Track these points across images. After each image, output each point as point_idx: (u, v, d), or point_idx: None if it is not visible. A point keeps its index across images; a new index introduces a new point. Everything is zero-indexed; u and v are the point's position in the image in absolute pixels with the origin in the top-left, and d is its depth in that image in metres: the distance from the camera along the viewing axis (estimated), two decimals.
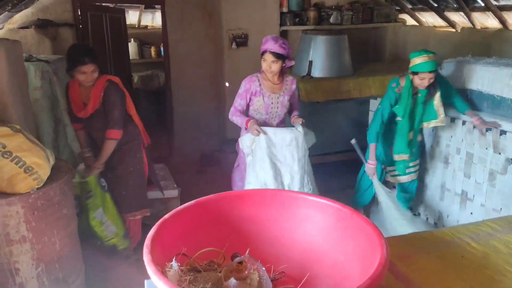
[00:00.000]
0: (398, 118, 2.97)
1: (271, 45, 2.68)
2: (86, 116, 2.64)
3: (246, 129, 2.78)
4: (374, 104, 3.96)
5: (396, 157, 3.11)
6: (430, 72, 2.73)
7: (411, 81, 2.85)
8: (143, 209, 2.87)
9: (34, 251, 1.93)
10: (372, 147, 3.09)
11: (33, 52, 3.71)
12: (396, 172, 3.23)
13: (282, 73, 2.86)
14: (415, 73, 2.80)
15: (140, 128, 2.88)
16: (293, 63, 2.86)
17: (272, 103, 2.86)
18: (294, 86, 2.93)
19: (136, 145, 2.82)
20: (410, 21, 5.62)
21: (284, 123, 3.07)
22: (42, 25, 4.01)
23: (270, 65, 2.71)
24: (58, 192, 2.01)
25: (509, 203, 2.65)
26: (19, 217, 1.86)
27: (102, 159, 2.65)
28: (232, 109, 2.85)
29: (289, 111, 3.03)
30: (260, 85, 2.83)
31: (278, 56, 2.67)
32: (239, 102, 2.84)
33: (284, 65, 2.76)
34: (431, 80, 2.78)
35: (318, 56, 4.28)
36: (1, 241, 1.85)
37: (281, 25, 5.03)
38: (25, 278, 1.93)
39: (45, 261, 1.98)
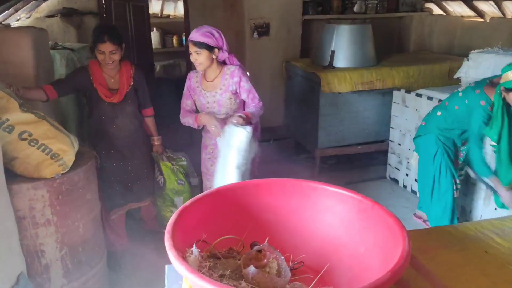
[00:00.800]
0: (492, 143, 2.53)
1: (192, 34, 2.36)
2: (119, 100, 2.59)
3: (198, 127, 2.47)
4: (397, 96, 3.89)
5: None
6: None
7: (503, 99, 2.39)
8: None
9: (58, 234, 1.99)
10: (494, 180, 2.59)
11: (59, 40, 3.78)
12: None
13: (222, 67, 2.47)
14: (509, 90, 2.33)
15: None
16: (226, 55, 2.44)
17: (207, 102, 2.47)
18: (236, 79, 2.44)
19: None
20: (436, 10, 5.46)
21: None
22: (67, 13, 4.08)
23: (194, 57, 2.35)
24: (82, 177, 2.06)
25: None
26: (44, 201, 1.91)
27: (157, 135, 2.87)
28: (181, 111, 2.55)
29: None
30: (198, 81, 2.50)
31: (199, 45, 2.31)
32: (185, 102, 2.55)
33: (214, 56, 2.38)
34: None
35: (341, 46, 4.22)
36: (27, 224, 1.91)
37: (303, 14, 4.96)
38: (50, 260, 2.00)
39: (69, 244, 2.04)
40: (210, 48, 2.34)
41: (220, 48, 2.40)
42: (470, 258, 1.23)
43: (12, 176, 1.89)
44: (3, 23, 3.61)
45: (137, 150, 2.79)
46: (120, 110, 2.64)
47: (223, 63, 2.50)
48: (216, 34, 2.39)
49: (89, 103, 2.65)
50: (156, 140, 2.88)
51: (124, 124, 2.68)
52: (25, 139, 1.90)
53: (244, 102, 2.56)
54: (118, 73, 2.61)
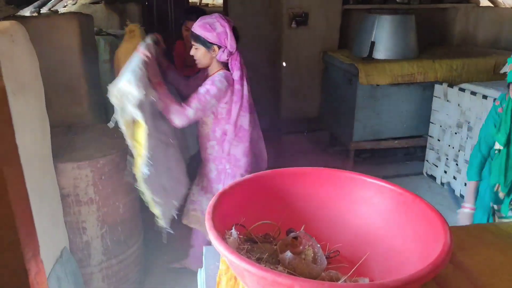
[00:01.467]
0: (498, 147, 2.17)
1: (197, 25, 2.05)
2: (194, 72, 2.45)
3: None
4: (439, 89, 3.77)
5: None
6: None
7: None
8: None
9: (100, 213, 2.08)
10: (471, 186, 2.28)
11: (103, 27, 3.90)
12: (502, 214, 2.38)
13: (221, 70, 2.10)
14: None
15: None
16: (225, 57, 2.05)
17: None
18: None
19: None
20: (484, 1, 5.22)
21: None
22: (111, 1, 4.19)
23: (193, 52, 2.08)
24: (123, 159, 2.13)
25: None
26: (87, 180, 2.00)
27: None
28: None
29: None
30: None
31: (196, 38, 2.03)
32: None
33: (213, 55, 2.05)
34: None
35: (381, 37, 4.12)
36: (71, 201, 2.01)
37: (343, 3, 4.87)
38: (91, 237, 2.09)
39: (109, 223, 2.13)
40: (207, 44, 2.02)
41: (220, 46, 2.02)
42: (510, 257, 1.19)
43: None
44: (51, 9, 3.76)
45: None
46: (193, 86, 2.43)
47: (226, 66, 2.10)
48: (220, 29, 2.00)
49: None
50: None
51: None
52: None
53: (231, 110, 2.10)
54: None
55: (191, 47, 2.10)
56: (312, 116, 5.06)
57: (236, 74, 2.05)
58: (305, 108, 5.09)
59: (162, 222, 1.93)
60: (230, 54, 2.04)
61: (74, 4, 4.20)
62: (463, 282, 1.07)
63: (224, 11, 4.83)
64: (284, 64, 4.94)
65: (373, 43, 4.12)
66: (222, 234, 0.96)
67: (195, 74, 2.36)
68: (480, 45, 5.07)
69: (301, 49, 4.86)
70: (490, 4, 5.11)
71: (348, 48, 4.78)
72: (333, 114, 4.58)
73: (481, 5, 5.24)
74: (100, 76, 2.85)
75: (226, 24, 2.01)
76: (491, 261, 1.17)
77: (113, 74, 3.20)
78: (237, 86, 2.05)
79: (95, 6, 4.19)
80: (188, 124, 1.99)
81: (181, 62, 2.71)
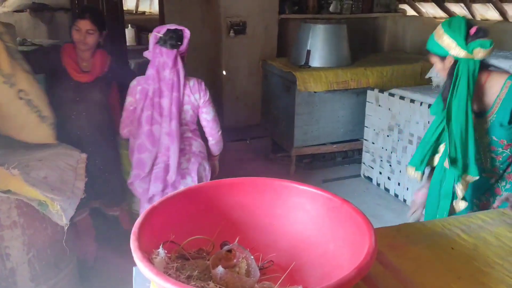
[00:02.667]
0: None
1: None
2: (89, 80, 2.45)
3: None
4: (371, 95, 3.95)
5: None
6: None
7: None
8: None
9: (25, 237, 1.93)
10: None
11: (29, 36, 3.67)
12: None
13: None
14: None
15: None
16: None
17: None
18: None
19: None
20: (410, 11, 5.59)
21: None
22: (37, 9, 3.96)
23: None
24: None
25: None
26: (10, 202, 1.85)
27: None
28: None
29: None
30: None
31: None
32: None
33: None
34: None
35: (317, 46, 4.25)
36: None
37: (280, 13, 4.98)
38: (16, 263, 1.93)
39: (37, 246, 1.98)
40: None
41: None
42: (437, 254, 1.25)
43: None
44: None
45: (99, 147, 2.57)
46: (86, 94, 2.46)
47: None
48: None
49: (53, 84, 2.47)
50: None
51: (87, 113, 2.49)
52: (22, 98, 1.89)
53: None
54: (92, 57, 2.50)
55: (85, 50, 2.39)
56: (254, 123, 5.10)
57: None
58: (247, 116, 5.12)
59: (64, 219, 1.84)
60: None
61: None
62: (391, 281, 1.11)
63: (161, 20, 4.75)
64: (224, 72, 4.94)
65: (309, 52, 4.24)
66: (150, 254, 0.92)
67: (93, 80, 2.48)
68: (408, 52, 5.41)
69: (241, 58, 4.90)
70: (416, 14, 5.48)
71: (286, 56, 4.89)
72: (274, 121, 4.64)
73: (407, 14, 5.61)
74: None
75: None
76: (418, 259, 1.23)
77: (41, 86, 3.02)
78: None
79: (19, 14, 3.93)
80: None
81: (76, 67, 2.45)
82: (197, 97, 2.37)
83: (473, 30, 1.72)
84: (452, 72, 1.77)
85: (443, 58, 1.80)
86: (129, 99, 2.30)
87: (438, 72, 1.92)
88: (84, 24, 2.36)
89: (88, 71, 2.48)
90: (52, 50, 2.50)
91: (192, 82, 2.35)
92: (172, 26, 2.32)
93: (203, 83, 2.42)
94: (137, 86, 2.28)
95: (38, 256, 1.99)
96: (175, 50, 2.26)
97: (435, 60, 1.86)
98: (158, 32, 2.29)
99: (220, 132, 2.49)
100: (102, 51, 2.54)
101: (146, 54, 2.34)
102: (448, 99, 1.81)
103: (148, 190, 2.27)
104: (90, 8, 2.51)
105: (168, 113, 2.22)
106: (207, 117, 2.42)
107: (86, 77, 2.45)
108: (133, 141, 2.30)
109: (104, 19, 2.53)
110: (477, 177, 1.77)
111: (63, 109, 2.42)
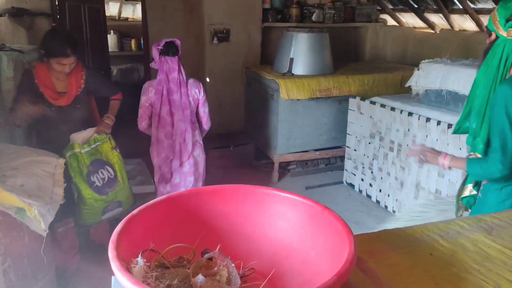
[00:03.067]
0: None
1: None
2: (67, 103, 2.49)
3: None
4: (353, 103, 4.01)
5: None
6: None
7: None
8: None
9: (1, 246, 1.87)
10: None
11: (7, 42, 3.60)
12: None
13: None
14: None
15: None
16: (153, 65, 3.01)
17: None
18: None
19: None
20: (390, 21, 5.70)
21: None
22: (17, 13, 3.89)
23: None
24: None
25: None
26: None
27: (112, 116, 2.80)
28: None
29: None
30: None
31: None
32: None
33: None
34: None
35: (300, 54, 4.30)
36: None
37: (263, 21, 5.02)
38: None
39: (13, 256, 1.93)
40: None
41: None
42: (416, 260, 1.27)
43: None
44: None
45: None
46: (68, 115, 2.50)
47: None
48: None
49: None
50: (106, 118, 2.71)
51: (72, 131, 2.53)
52: None
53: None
54: (67, 76, 2.49)
55: (61, 78, 2.50)
56: (237, 130, 5.10)
57: None
58: (230, 123, 5.12)
59: (42, 225, 1.80)
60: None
61: None
62: (371, 287, 1.12)
63: (144, 26, 4.73)
64: (207, 79, 4.94)
65: (291, 60, 4.28)
66: (129, 264, 0.90)
67: (72, 101, 2.56)
68: (389, 60, 5.51)
69: (224, 65, 4.90)
70: (396, 24, 5.59)
71: (269, 64, 4.92)
72: (257, 128, 4.66)
73: (388, 24, 5.71)
74: (2, 94, 2.61)
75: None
76: (398, 265, 1.24)
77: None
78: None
79: None
80: None
81: (53, 94, 2.46)
82: (196, 92, 2.98)
83: None
84: (488, 49, 1.76)
85: (490, 33, 1.78)
86: (144, 98, 2.89)
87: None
88: (69, 60, 2.39)
89: (65, 92, 2.47)
90: (24, 80, 2.45)
91: (191, 80, 3.01)
92: (167, 40, 2.87)
93: (198, 81, 3.06)
94: (148, 87, 2.91)
95: (14, 266, 1.94)
96: (176, 57, 2.88)
97: (488, 36, 1.82)
98: (158, 45, 2.85)
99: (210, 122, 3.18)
100: (76, 66, 2.50)
101: (153, 65, 2.92)
102: (476, 75, 1.80)
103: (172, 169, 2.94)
104: (69, 41, 2.41)
105: (179, 105, 2.86)
106: (205, 110, 3.07)
107: (64, 100, 2.46)
108: (156, 132, 2.90)
109: (75, 39, 2.52)
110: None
111: (49, 132, 2.46)
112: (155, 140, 2.92)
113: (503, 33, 1.70)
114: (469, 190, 2.00)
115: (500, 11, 1.73)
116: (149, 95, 2.85)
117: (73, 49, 2.42)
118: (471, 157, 1.89)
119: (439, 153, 1.96)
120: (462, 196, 2.01)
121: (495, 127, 1.73)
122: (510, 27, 1.68)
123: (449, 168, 1.92)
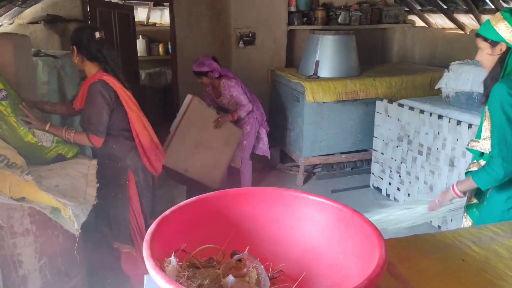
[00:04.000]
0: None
1: (194, 67, 3.58)
2: (78, 109, 2.41)
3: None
4: (380, 105, 3.95)
5: None
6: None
7: None
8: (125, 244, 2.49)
9: (37, 244, 1.95)
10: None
11: (42, 47, 3.75)
12: None
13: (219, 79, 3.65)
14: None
15: (140, 149, 2.37)
16: (215, 74, 3.58)
17: (220, 106, 3.82)
18: (227, 90, 3.68)
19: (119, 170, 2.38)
20: (419, 22, 5.59)
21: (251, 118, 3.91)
22: (51, 20, 4.05)
23: (201, 83, 3.70)
24: None
25: None
26: (23, 210, 1.88)
27: (54, 130, 2.26)
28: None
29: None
30: (210, 91, 3.80)
31: (198, 74, 3.59)
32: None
33: (211, 77, 3.59)
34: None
35: (325, 56, 4.28)
36: (5, 233, 1.87)
37: (289, 24, 5.03)
38: (27, 270, 1.95)
39: (48, 254, 2.00)
40: (205, 73, 3.57)
41: (212, 71, 3.56)
42: (447, 266, 1.24)
43: None
44: None
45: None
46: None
47: (220, 77, 3.65)
48: (206, 61, 3.52)
49: None
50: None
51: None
52: None
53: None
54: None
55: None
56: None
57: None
58: None
59: (75, 224, 1.85)
60: (214, 71, 3.60)
61: (11, 24, 4.01)
62: None
63: (171, 31, 4.82)
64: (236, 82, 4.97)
65: (317, 62, 4.26)
66: (162, 263, 0.93)
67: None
68: (417, 62, 5.40)
69: (249, 68, 4.93)
70: (424, 25, 5.49)
71: (294, 67, 4.92)
72: (282, 131, 4.66)
73: (416, 25, 5.61)
74: (37, 98, 2.72)
75: (207, 58, 3.60)
76: (428, 271, 1.22)
77: (52, 96, 3.08)
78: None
79: (33, 26, 4.02)
80: None
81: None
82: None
83: None
84: (504, 59, 1.74)
85: (495, 44, 1.75)
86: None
87: (480, 60, 1.86)
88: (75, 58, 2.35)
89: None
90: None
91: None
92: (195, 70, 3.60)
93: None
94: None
95: (49, 264, 2.01)
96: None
97: (484, 45, 1.80)
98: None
99: None
100: (94, 75, 2.32)
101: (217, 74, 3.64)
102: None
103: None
104: (82, 28, 2.40)
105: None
106: None
107: (77, 105, 2.38)
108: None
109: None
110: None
111: None
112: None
113: None
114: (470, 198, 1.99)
115: (509, 20, 1.68)
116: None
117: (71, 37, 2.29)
118: (471, 169, 1.91)
119: (446, 190, 1.97)
120: (466, 204, 2.00)
121: (494, 125, 1.74)
122: None
123: (464, 193, 1.90)
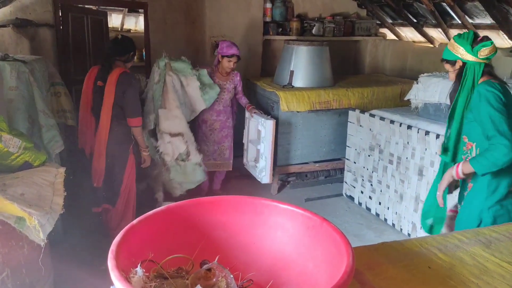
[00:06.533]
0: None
1: (236, 51, 3.77)
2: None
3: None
4: (352, 115, 4.03)
5: None
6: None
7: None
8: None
9: None
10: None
11: (11, 52, 3.63)
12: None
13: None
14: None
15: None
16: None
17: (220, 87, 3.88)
18: (238, 78, 4.00)
19: None
20: (390, 35, 5.75)
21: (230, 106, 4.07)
22: (20, 24, 3.93)
23: (232, 66, 3.82)
24: None
25: None
26: None
27: (141, 145, 3.14)
28: None
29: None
30: (212, 74, 3.89)
31: (238, 57, 3.81)
32: None
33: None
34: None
35: (300, 66, 4.33)
36: None
37: (264, 34, 5.07)
38: None
39: (11, 265, 1.92)
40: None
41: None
42: (414, 274, 1.27)
43: None
44: None
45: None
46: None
47: None
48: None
49: None
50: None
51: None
52: None
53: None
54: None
55: None
56: (237, 140, 5.11)
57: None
58: None
59: (41, 234, 1.81)
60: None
61: None
62: None
63: (146, 38, 4.77)
64: None
65: (292, 72, 4.31)
66: (128, 273, 0.91)
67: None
68: (388, 74, 5.55)
69: None
70: (395, 38, 5.65)
71: (270, 76, 4.95)
72: None
73: (387, 38, 5.77)
74: (5, 103, 2.63)
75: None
76: (396, 278, 1.24)
77: (20, 102, 2.99)
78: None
79: (1, 29, 3.89)
80: None
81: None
82: None
83: (478, 39, 2.08)
84: (461, 73, 2.11)
85: (453, 62, 2.14)
86: None
87: (451, 79, 2.23)
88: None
89: None
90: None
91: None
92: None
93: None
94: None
95: (12, 276, 1.93)
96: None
97: (448, 66, 2.19)
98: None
99: None
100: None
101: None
102: (455, 98, 2.15)
103: None
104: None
105: None
106: None
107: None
108: None
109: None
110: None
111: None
112: None
113: (471, 58, 2.06)
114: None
115: (460, 41, 2.08)
116: None
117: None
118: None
119: (451, 167, 2.13)
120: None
121: (485, 119, 1.97)
122: (478, 49, 2.03)
123: (464, 175, 2.05)
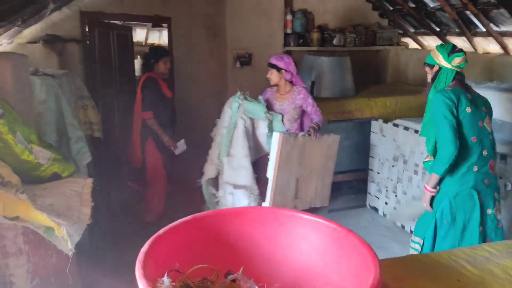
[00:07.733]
0: None
1: (270, 58, 3.29)
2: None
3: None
4: (375, 125, 3.98)
5: None
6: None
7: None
8: None
9: (30, 264, 1.92)
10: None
11: (41, 67, 3.77)
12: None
13: (291, 85, 3.31)
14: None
15: None
16: (288, 76, 3.22)
17: (276, 109, 3.32)
18: (301, 96, 3.27)
19: None
20: (412, 44, 5.69)
21: (299, 128, 3.43)
22: (50, 40, 4.09)
23: (268, 75, 3.29)
24: None
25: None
26: (16, 229, 1.86)
27: (159, 133, 3.55)
28: None
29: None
30: (272, 94, 3.40)
31: (271, 66, 3.23)
32: None
33: (282, 76, 3.23)
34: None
35: (321, 77, 4.33)
36: None
37: (285, 45, 5.10)
38: None
39: (41, 274, 1.97)
40: (278, 69, 3.20)
41: (286, 70, 3.20)
42: (442, 287, 1.24)
43: None
44: None
45: None
46: None
47: (291, 83, 3.30)
48: (286, 59, 3.23)
49: None
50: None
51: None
52: None
53: (304, 113, 3.38)
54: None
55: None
56: (260, 153, 5.12)
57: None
58: None
59: (69, 244, 1.84)
60: (292, 75, 3.25)
61: (10, 43, 4.05)
62: None
63: (169, 50, 4.88)
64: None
65: (313, 83, 4.31)
66: (155, 283, 0.92)
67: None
68: (410, 83, 5.47)
69: (246, 88, 4.94)
70: (418, 47, 5.58)
71: None
72: None
73: (410, 47, 5.71)
74: (34, 118, 2.73)
75: (289, 57, 3.29)
76: None
77: (49, 115, 3.09)
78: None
79: (32, 45, 4.05)
80: None
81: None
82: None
83: (455, 49, 2.41)
84: (435, 77, 2.46)
85: (432, 66, 2.47)
86: None
87: (428, 78, 2.55)
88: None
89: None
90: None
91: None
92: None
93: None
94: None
95: (42, 285, 1.98)
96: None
97: (427, 69, 2.52)
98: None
99: None
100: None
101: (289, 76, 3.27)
102: (429, 97, 2.47)
103: None
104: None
105: None
106: None
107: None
108: None
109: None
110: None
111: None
112: None
113: (446, 64, 2.37)
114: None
115: (440, 50, 2.40)
116: None
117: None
118: (426, 160, 2.54)
119: (423, 193, 2.51)
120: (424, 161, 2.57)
121: (436, 122, 2.33)
122: (453, 58, 2.34)
123: (433, 187, 2.42)
